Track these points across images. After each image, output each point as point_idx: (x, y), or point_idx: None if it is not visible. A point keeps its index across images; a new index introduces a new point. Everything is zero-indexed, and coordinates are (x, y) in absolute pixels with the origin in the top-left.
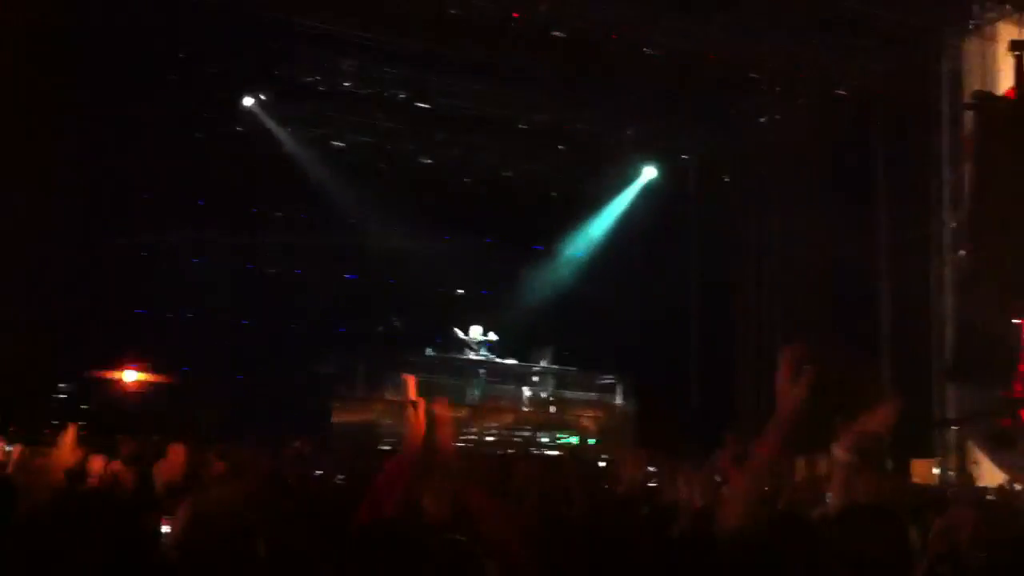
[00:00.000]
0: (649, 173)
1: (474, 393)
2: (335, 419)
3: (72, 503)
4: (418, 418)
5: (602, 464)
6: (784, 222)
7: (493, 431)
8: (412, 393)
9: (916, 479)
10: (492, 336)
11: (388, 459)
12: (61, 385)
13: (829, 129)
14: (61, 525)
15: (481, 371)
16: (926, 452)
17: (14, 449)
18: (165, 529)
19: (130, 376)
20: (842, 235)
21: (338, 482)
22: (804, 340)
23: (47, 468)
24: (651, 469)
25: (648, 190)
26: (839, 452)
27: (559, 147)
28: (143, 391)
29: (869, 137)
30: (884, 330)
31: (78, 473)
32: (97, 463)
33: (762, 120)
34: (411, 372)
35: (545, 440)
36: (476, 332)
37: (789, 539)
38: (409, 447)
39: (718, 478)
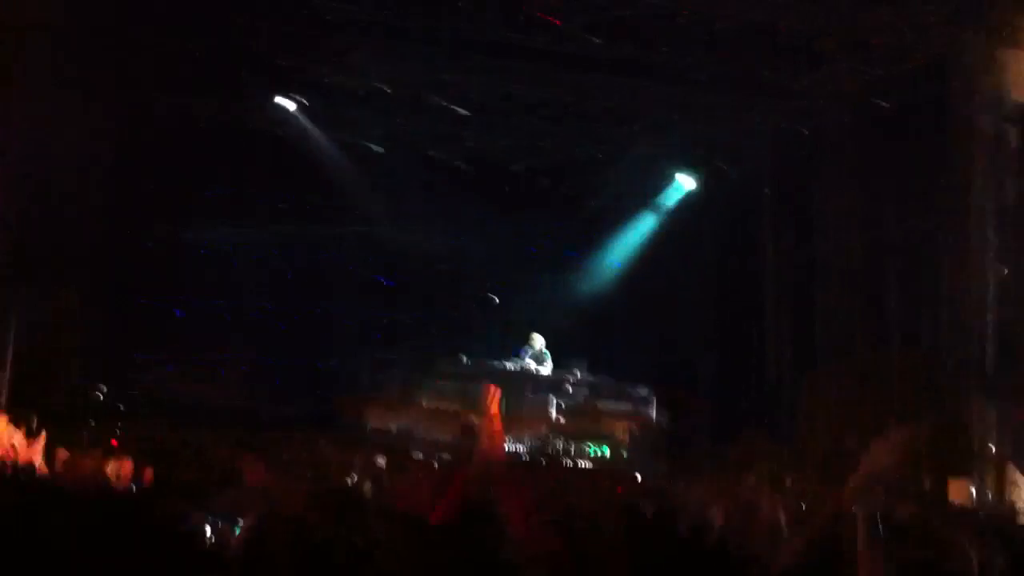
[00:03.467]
0: (688, 184)
1: (506, 402)
2: (368, 424)
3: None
4: (494, 429)
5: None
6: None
7: (525, 440)
8: (493, 406)
9: (953, 498)
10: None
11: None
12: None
13: (896, 96)
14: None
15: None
16: (964, 471)
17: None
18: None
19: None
20: (909, 209)
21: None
22: None
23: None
24: None
25: (689, 198)
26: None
27: (598, 156)
28: (178, 388)
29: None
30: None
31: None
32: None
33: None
34: (444, 379)
35: (577, 450)
36: (539, 343)
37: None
38: (483, 455)
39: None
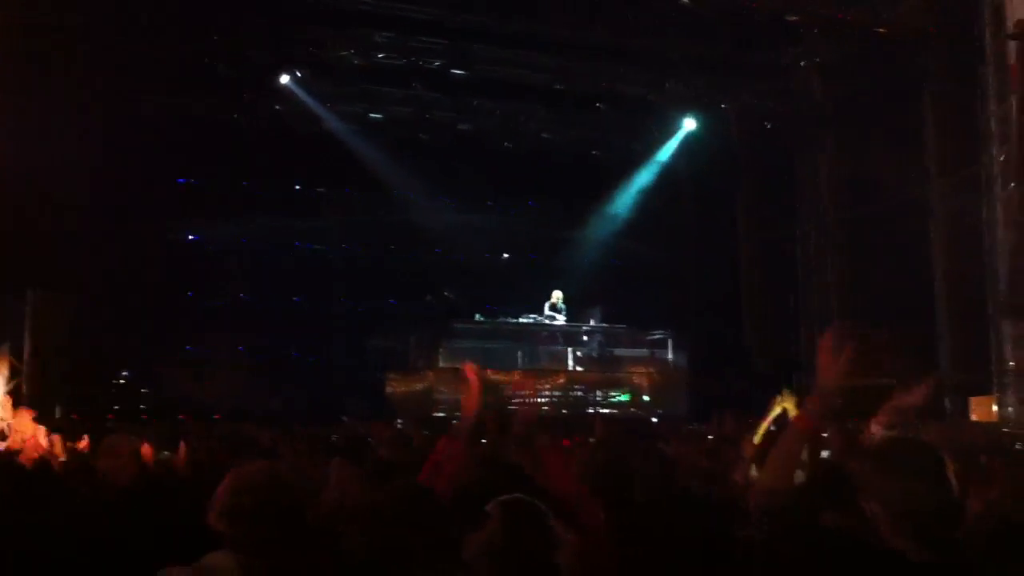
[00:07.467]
0: (689, 125)
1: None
2: (389, 390)
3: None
4: (471, 385)
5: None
6: (833, 165)
7: (546, 393)
8: (471, 376)
9: (975, 417)
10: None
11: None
12: (122, 372)
13: (872, 69)
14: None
15: (544, 334)
16: (985, 390)
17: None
18: None
19: (185, 360)
20: (892, 175)
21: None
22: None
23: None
24: None
25: (690, 143)
26: (875, 427)
27: (597, 106)
28: (200, 374)
29: (914, 75)
30: (938, 269)
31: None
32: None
33: (802, 64)
34: (461, 339)
35: (598, 399)
36: (557, 296)
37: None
38: (465, 413)
39: (773, 427)
